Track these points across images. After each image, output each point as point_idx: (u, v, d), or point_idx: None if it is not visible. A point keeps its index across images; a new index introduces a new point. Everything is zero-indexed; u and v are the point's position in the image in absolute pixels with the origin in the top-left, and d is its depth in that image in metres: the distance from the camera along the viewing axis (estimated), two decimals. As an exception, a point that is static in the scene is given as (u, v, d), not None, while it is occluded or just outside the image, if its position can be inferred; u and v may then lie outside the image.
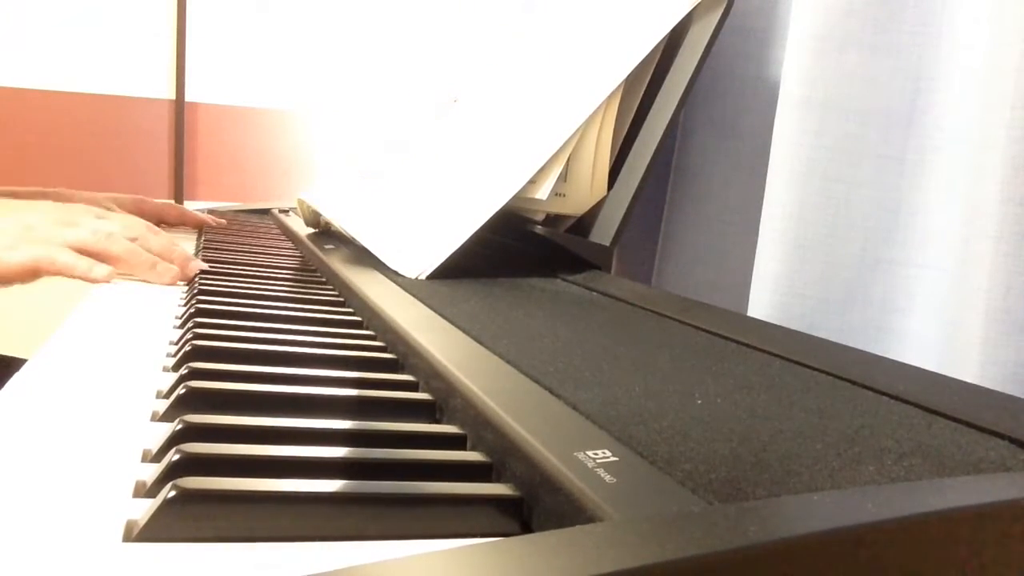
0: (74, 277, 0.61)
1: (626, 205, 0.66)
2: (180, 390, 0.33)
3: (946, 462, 0.26)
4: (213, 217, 1.00)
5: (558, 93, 0.68)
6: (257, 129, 1.98)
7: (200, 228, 0.97)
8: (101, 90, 1.88)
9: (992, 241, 0.49)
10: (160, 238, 0.67)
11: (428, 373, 0.37)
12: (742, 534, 0.18)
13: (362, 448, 0.29)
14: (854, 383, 0.35)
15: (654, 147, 0.67)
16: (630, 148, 0.69)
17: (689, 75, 0.67)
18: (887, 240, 0.61)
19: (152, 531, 0.23)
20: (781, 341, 0.42)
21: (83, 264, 0.61)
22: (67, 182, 1.61)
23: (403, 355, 0.42)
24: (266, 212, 1.21)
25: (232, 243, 0.83)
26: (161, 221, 0.96)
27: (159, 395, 0.36)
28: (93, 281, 0.61)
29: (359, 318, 0.51)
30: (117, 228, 0.64)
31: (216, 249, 0.77)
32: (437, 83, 0.74)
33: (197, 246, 0.81)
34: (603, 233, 0.67)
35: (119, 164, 1.90)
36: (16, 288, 0.62)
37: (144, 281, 0.63)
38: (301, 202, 0.78)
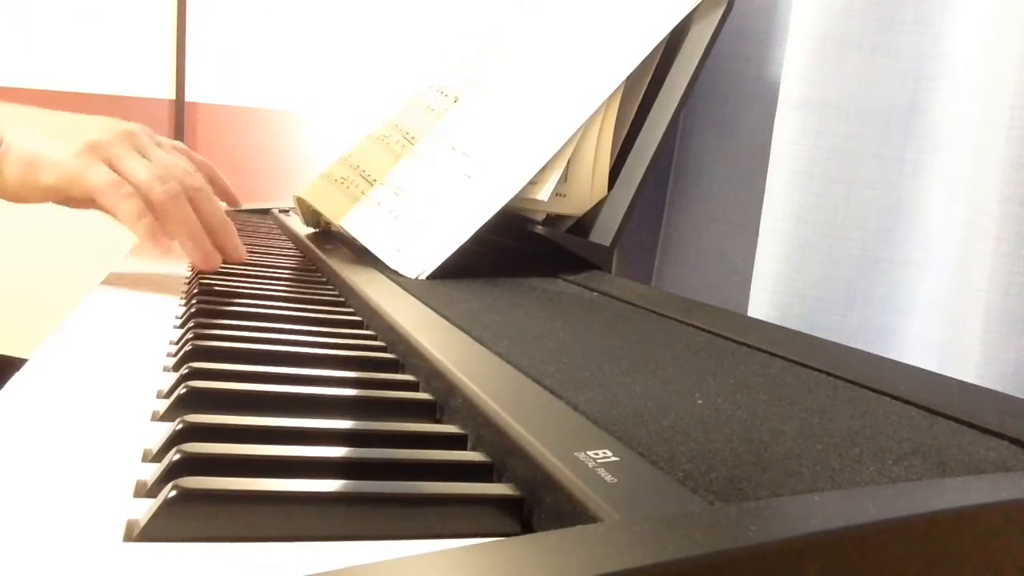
0: (129, 226, 0.55)
1: (626, 205, 0.66)
2: (180, 390, 0.33)
3: (946, 462, 0.26)
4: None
5: (558, 93, 0.68)
6: (257, 129, 1.98)
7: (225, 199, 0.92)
8: (101, 90, 1.88)
9: (992, 241, 0.49)
10: (218, 209, 0.61)
11: (428, 373, 0.37)
12: (742, 534, 0.18)
13: (362, 448, 0.29)
14: (854, 383, 0.35)
15: (654, 147, 0.67)
16: (630, 148, 0.69)
17: (689, 75, 0.67)
18: (887, 240, 0.61)
19: (152, 531, 0.23)
20: (781, 341, 0.42)
21: (147, 225, 0.55)
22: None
23: (403, 355, 0.42)
24: (266, 212, 1.21)
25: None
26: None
27: (159, 395, 0.36)
28: (152, 245, 0.55)
29: (359, 318, 0.51)
30: (179, 179, 0.58)
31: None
32: (437, 82, 0.74)
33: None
34: (603, 233, 0.67)
35: (119, 164, 1.90)
36: (17, 266, 0.58)
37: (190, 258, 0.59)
38: (300, 200, 0.78)
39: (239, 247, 0.62)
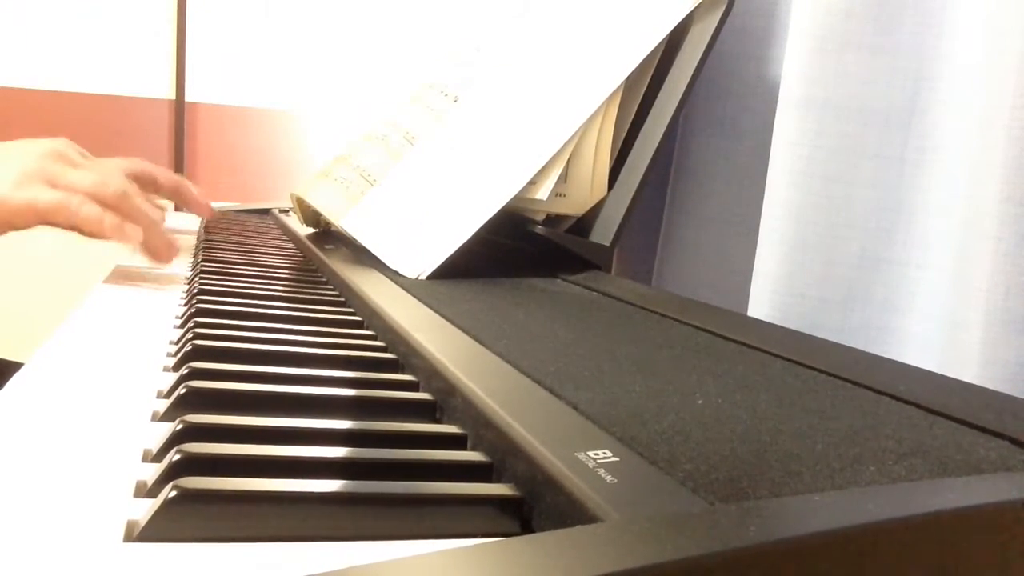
0: (95, 235, 0.55)
1: (626, 205, 0.66)
2: (180, 390, 0.33)
3: (946, 462, 0.26)
4: (207, 204, 0.95)
5: (559, 93, 0.68)
6: (257, 129, 1.98)
7: (194, 208, 0.92)
8: (101, 90, 1.88)
9: (992, 241, 0.49)
10: (156, 210, 0.63)
11: (428, 373, 0.37)
12: (742, 534, 0.18)
13: (362, 448, 0.29)
14: (854, 383, 0.35)
15: (654, 147, 0.67)
16: (630, 148, 0.69)
17: (689, 75, 0.67)
18: (887, 240, 0.61)
19: (153, 531, 0.23)
20: (781, 341, 0.42)
21: (111, 221, 0.55)
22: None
23: (403, 355, 0.42)
24: (266, 212, 1.21)
25: (232, 243, 0.83)
26: (155, 184, 0.92)
27: (159, 395, 0.36)
28: (120, 241, 0.55)
29: (359, 318, 0.51)
30: (119, 179, 0.59)
31: (216, 249, 0.77)
32: (437, 82, 0.74)
33: (197, 246, 0.81)
34: (603, 233, 0.67)
35: (119, 164, 1.89)
36: (14, 271, 0.59)
37: (147, 253, 0.60)
38: (300, 200, 0.78)
39: (173, 244, 0.64)
